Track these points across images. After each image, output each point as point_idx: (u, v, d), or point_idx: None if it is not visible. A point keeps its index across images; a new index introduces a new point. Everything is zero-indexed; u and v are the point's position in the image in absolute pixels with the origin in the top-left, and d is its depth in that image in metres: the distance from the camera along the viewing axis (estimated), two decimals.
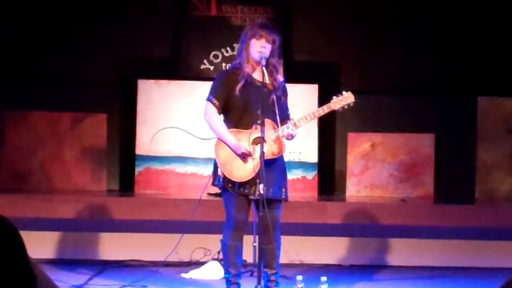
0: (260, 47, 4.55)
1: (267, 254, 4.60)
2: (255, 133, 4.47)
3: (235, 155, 4.52)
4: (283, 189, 4.64)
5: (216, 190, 4.97)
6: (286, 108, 4.67)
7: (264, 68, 4.52)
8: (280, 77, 4.65)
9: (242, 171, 4.50)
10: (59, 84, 7.49)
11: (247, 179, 4.49)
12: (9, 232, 1.94)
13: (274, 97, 4.53)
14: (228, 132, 4.55)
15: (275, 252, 4.66)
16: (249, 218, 4.68)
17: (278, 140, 4.55)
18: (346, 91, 4.66)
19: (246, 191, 4.53)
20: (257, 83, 4.60)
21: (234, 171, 4.51)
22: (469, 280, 5.89)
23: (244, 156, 4.49)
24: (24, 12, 7.51)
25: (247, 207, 4.61)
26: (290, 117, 4.61)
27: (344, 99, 4.62)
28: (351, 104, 4.63)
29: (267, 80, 4.52)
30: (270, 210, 4.51)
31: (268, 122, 4.48)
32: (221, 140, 4.56)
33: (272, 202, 4.55)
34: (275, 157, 4.57)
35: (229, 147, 4.52)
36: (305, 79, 7.34)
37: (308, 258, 6.32)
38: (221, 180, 4.55)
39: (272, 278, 4.67)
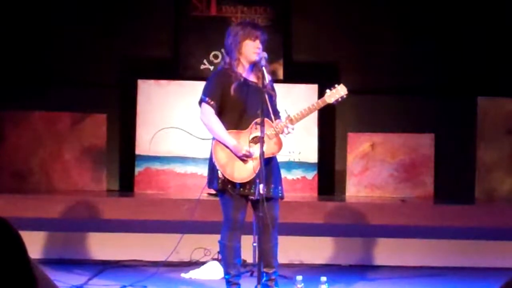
0: (256, 49, 4.55)
1: (268, 253, 4.61)
2: (254, 132, 4.48)
3: (234, 156, 4.51)
4: (280, 187, 4.67)
5: None
6: (276, 106, 4.69)
7: (263, 68, 4.51)
8: (268, 76, 4.63)
9: (243, 171, 4.50)
10: (59, 84, 7.50)
11: (248, 180, 4.49)
12: (9, 233, 1.94)
13: (267, 96, 4.51)
14: (228, 133, 4.54)
15: (274, 250, 4.67)
16: (247, 218, 4.69)
17: (277, 138, 4.57)
18: (339, 84, 4.70)
19: (246, 191, 4.53)
20: (250, 83, 4.61)
21: (234, 172, 4.50)
22: (469, 280, 5.89)
23: (245, 157, 4.49)
24: (24, 12, 7.51)
25: (245, 207, 4.63)
26: (287, 113, 4.60)
27: (337, 92, 4.66)
28: (344, 96, 4.67)
29: (266, 80, 4.50)
30: (270, 209, 4.53)
31: (266, 121, 4.49)
32: (220, 142, 4.54)
33: (270, 200, 4.55)
34: (274, 155, 4.61)
35: (229, 148, 4.51)
36: (305, 79, 7.35)
37: (308, 258, 6.32)
38: (219, 182, 4.53)
39: (272, 277, 4.67)
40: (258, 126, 4.40)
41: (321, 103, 4.66)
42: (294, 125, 4.57)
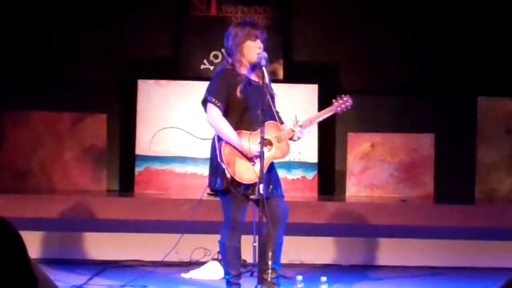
0: (257, 49, 4.56)
1: (276, 249, 4.64)
2: (259, 134, 4.45)
3: (241, 157, 4.50)
4: (280, 188, 4.72)
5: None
6: (276, 107, 4.71)
7: (264, 68, 4.51)
8: (268, 76, 4.63)
9: (250, 173, 4.49)
10: (59, 84, 7.50)
11: (255, 181, 4.48)
12: (9, 233, 1.94)
13: (269, 96, 4.52)
14: (237, 135, 4.53)
15: (281, 246, 4.72)
16: (246, 218, 4.70)
17: (285, 143, 4.60)
18: (345, 93, 4.78)
19: (249, 191, 4.54)
20: (253, 83, 4.61)
21: (242, 173, 4.49)
22: (469, 280, 5.88)
23: (255, 158, 4.48)
24: (23, 12, 7.51)
25: (246, 208, 4.64)
26: (296, 119, 4.62)
27: (344, 103, 4.74)
28: (349, 107, 4.75)
29: (266, 80, 4.50)
30: (280, 206, 4.64)
31: (272, 124, 4.51)
32: (228, 143, 4.53)
33: (274, 198, 4.61)
34: (278, 158, 4.64)
35: (238, 150, 4.50)
36: (305, 79, 7.35)
37: (308, 258, 6.32)
38: (224, 182, 4.52)
39: (273, 268, 4.70)
40: (265, 129, 4.40)
41: (328, 112, 4.72)
42: (303, 130, 4.61)
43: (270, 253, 4.61)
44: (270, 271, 4.62)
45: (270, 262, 4.60)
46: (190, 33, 7.64)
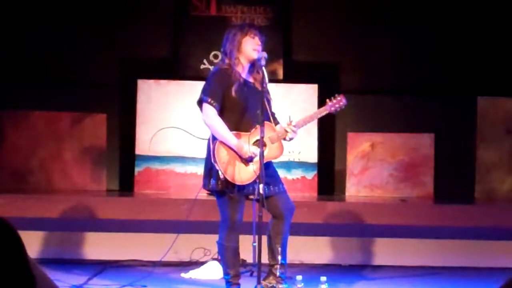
0: (256, 45, 4.56)
1: (283, 244, 4.69)
2: (256, 134, 4.46)
3: (237, 157, 4.50)
4: (281, 184, 4.74)
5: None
6: (272, 110, 4.71)
7: (263, 68, 4.51)
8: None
9: (244, 173, 4.49)
10: (59, 84, 7.50)
11: (248, 182, 4.49)
12: (8, 232, 1.94)
13: (265, 97, 4.51)
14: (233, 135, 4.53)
15: (287, 240, 4.75)
16: (246, 218, 4.71)
17: (279, 143, 4.60)
18: (345, 93, 4.77)
19: (245, 191, 4.54)
20: (250, 84, 4.61)
21: (236, 174, 4.49)
22: (469, 280, 5.88)
23: (250, 160, 4.48)
24: (24, 12, 7.51)
25: (243, 208, 4.65)
26: (290, 119, 4.62)
27: (338, 102, 4.73)
28: (343, 106, 4.74)
29: (266, 79, 4.50)
30: (284, 202, 4.68)
31: (267, 124, 4.50)
32: (223, 143, 4.53)
33: (276, 195, 4.63)
34: (274, 159, 4.63)
35: (234, 150, 4.50)
36: (305, 79, 7.35)
37: (308, 258, 6.32)
38: (218, 183, 4.51)
39: (276, 271, 4.71)
40: (259, 128, 4.40)
41: (323, 112, 4.71)
42: (296, 130, 4.61)
43: (279, 248, 4.65)
44: (279, 266, 4.65)
45: (280, 257, 4.64)
46: (190, 33, 7.64)
